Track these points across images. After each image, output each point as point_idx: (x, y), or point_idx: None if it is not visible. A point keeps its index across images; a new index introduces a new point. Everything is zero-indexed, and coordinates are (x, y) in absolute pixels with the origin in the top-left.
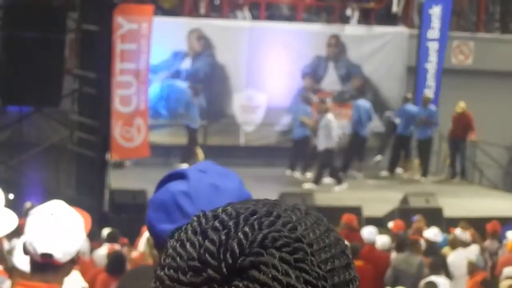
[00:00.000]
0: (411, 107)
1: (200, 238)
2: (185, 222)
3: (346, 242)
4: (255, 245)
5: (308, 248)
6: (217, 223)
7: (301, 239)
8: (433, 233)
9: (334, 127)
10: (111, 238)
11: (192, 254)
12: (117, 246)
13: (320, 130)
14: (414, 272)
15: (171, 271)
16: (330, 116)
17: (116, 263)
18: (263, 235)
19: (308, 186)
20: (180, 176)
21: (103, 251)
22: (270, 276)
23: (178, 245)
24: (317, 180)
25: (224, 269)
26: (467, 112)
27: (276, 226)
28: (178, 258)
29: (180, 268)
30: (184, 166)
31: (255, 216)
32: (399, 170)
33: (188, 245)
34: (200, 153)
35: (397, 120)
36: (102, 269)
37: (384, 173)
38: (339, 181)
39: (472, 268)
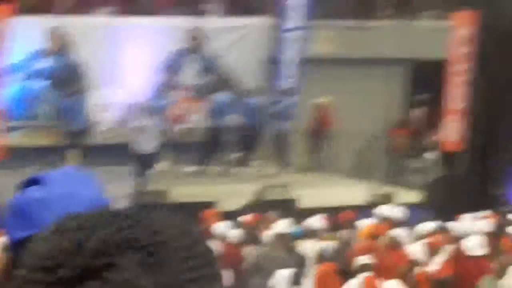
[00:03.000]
0: (252, 100)
1: (56, 237)
2: (37, 230)
3: (215, 254)
4: (111, 246)
5: (168, 253)
6: (75, 223)
7: (161, 243)
8: (281, 225)
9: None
10: None
11: (45, 254)
12: None
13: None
14: (270, 265)
15: (24, 270)
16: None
17: None
18: (121, 237)
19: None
20: (38, 181)
21: None
22: (123, 278)
23: (34, 245)
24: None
25: (78, 269)
26: (326, 106)
27: (135, 229)
28: (31, 258)
29: (33, 267)
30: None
31: (115, 218)
32: (254, 164)
33: (43, 244)
34: (72, 156)
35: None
36: None
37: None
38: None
39: (320, 258)
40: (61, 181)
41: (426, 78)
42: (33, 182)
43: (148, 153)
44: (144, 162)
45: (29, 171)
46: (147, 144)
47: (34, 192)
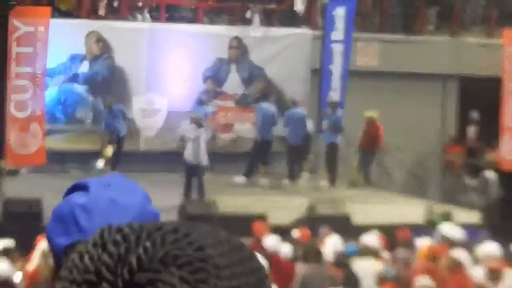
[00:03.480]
0: (299, 112)
1: (99, 251)
2: (80, 237)
3: (266, 271)
4: (155, 261)
5: (213, 270)
6: (118, 236)
7: (206, 259)
8: (334, 242)
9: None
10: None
11: (89, 267)
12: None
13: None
14: (322, 284)
15: (67, 283)
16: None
17: None
18: (165, 252)
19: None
20: (83, 187)
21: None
22: None
23: (76, 257)
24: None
25: (120, 284)
26: (376, 122)
27: (180, 243)
28: (74, 271)
29: (76, 281)
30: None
31: (159, 232)
32: (303, 177)
33: (86, 257)
34: (108, 150)
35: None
36: None
37: (285, 181)
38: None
39: (381, 279)
40: (106, 188)
41: (474, 95)
42: (78, 187)
43: (197, 164)
44: (193, 172)
45: (69, 176)
46: (196, 155)
47: (78, 198)
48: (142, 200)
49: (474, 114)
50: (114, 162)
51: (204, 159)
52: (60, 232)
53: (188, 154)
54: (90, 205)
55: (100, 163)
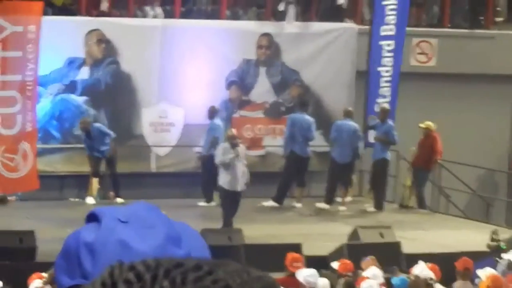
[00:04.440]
0: (351, 124)
1: None
2: (82, 282)
3: None
4: None
5: None
6: (131, 275)
7: None
8: (370, 274)
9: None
10: None
11: None
12: None
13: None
14: None
15: None
16: (241, 149)
17: None
18: None
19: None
20: (97, 218)
21: None
22: None
23: None
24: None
25: None
26: (433, 133)
27: (203, 282)
28: None
29: None
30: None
31: (179, 270)
32: (346, 199)
33: None
34: (93, 184)
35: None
36: None
37: (321, 205)
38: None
39: None
40: (120, 225)
41: None
42: (92, 218)
43: (234, 190)
44: (232, 199)
45: (67, 204)
46: (234, 181)
47: (87, 233)
48: (162, 244)
49: None
50: (115, 187)
51: (242, 184)
52: (64, 270)
53: (224, 181)
54: (98, 246)
55: (89, 200)
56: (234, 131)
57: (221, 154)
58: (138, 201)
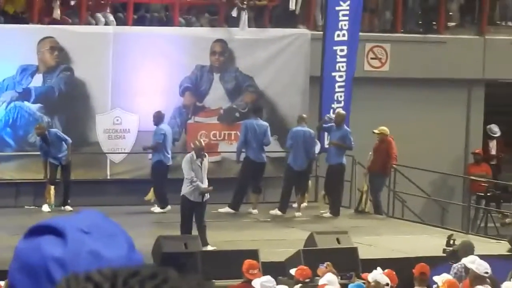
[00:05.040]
0: (306, 130)
1: None
2: None
3: None
4: None
5: None
6: (89, 286)
7: None
8: (326, 280)
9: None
10: None
11: None
12: None
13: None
14: None
15: None
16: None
17: None
18: None
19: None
20: (56, 232)
21: None
22: None
23: None
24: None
25: None
26: (388, 138)
27: None
28: None
29: None
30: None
31: (136, 278)
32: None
33: None
34: (50, 191)
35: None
36: None
37: (275, 212)
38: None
39: None
40: (85, 237)
41: (499, 103)
42: (48, 230)
43: (200, 201)
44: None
45: (23, 212)
46: (196, 194)
47: (52, 248)
48: (127, 250)
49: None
50: (65, 195)
51: (206, 195)
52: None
53: (189, 192)
54: (69, 260)
55: (45, 208)
56: (202, 142)
57: (187, 167)
58: (85, 210)
